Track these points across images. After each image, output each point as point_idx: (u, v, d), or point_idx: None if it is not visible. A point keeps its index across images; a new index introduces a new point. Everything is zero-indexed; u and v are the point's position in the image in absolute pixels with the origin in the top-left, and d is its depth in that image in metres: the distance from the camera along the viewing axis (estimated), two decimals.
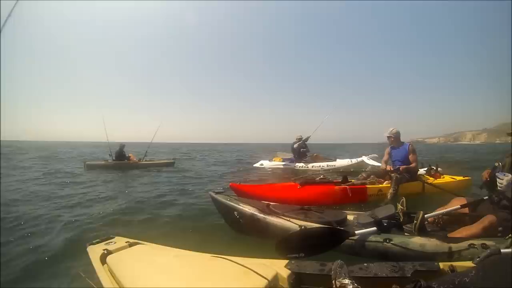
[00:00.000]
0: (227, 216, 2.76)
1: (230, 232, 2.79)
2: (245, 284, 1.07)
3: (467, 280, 0.91)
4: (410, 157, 4.21)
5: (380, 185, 4.07)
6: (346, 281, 0.97)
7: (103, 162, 10.59)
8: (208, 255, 1.44)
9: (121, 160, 10.38)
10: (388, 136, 4.38)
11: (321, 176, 4.32)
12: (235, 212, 2.58)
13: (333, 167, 8.77)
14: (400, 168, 4.09)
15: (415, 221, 2.07)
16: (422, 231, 2.04)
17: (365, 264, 1.30)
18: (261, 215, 2.38)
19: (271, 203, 2.61)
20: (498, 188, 1.99)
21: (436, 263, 1.32)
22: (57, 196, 5.16)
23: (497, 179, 1.98)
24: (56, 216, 3.72)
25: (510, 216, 1.94)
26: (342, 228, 2.01)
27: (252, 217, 2.43)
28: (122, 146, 10.71)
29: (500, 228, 1.88)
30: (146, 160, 11.05)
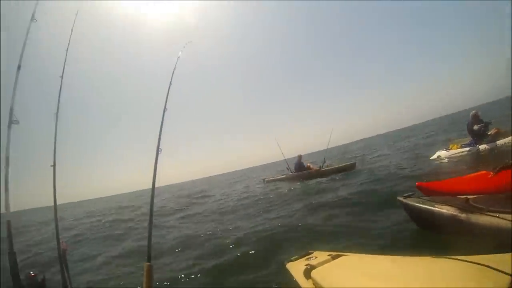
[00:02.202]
0: (421, 221, 2.63)
1: (427, 236, 2.60)
2: (483, 283, 0.94)
3: None
4: None
5: None
6: None
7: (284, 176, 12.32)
8: (428, 258, 1.30)
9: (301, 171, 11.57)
10: None
11: None
12: (432, 215, 2.40)
13: None
14: None
15: None
16: None
17: None
18: (463, 215, 2.17)
19: (470, 197, 2.37)
20: None
21: None
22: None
23: None
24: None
25: None
26: None
27: (453, 218, 2.24)
28: (300, 156, 12.00)
29: None
30: (327, 166, 11.39)
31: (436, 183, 3.71)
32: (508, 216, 1.94)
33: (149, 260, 1.41)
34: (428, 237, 2.66)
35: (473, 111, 7.69)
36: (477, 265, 1.03)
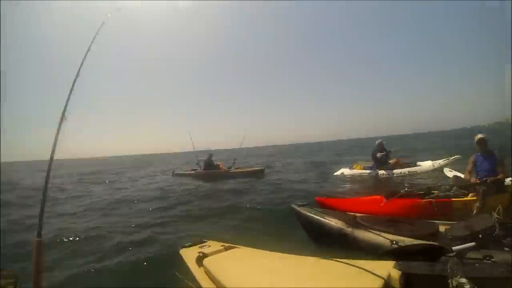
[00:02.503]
0: (310, 230, 2.75)
1: (312, 246, 2.76)
2: (360, 284, 1.04)
3: None
4: (500, 168, 3.70)
5: (466, 198, 3.67)
6: (463, 280, 0.90)
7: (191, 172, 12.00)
8: (313, 258, 1.38)
9: (209, 170, 11.33)
10: (477, 141, 3.88)
11: (406, 189, 4.11)
12: (320, 226, 2.55)
13: (415, 173, 8.19)
14: (488, 180, 3.59)
15: None
16: None
17: (477, 265, 1.28)
18: (349, 229, 2.37)
19: (358, 215, 2.58)
20: None
21: None
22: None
23: None
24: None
25: None
26: (437, 244, 1.94)
27: (339, 231, 2.42)
28: (210, 155, 11.78)
29: None
30: (236, 169, 11.49)
31: (334, 200, 4.06)
32: (388, 235, 2.15)
33: (39, 235, 1.25)
34: (316, 246, 2.83)
35: (379, 140, 8.86)
36: (357, 268, 1.14)
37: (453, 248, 1.83)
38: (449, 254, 1.82)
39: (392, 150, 8.81)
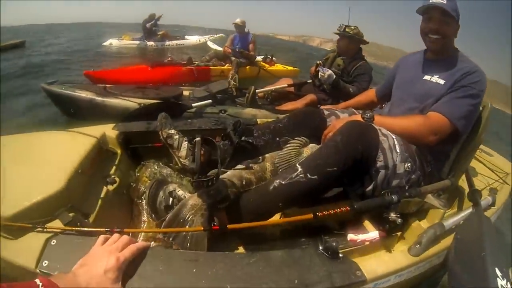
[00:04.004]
0: (64, 106, 2.56)
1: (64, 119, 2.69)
2: (73, 145, 1.02)
3: (281, 125, 1.22)
4: (251, 46, 4.73)
5: (222, 67, 4.59)
6: (172, 131, 0.93)
7: None
8: (23, 134, 1.16)
9: None
10: (235, 24, 4.64)
11: (169, 58, 4.51)
12: (72, 100, 2.41)
13: (183, 45, 8.98)
14: (240, 51, 4.59)
15: (247, 95, 2.42)
16: (253, 103, 2.40)
17: (189, 120, 1.44)
18: (99, 98, 2.34)
19: (108, 85, 2.57)
20: (319, 77, 2.40)
21: (254, 119, 1.62)
22: None
23: (319, 73, 2.39)
24: None
25: (327, 97, 2.47)
26: (179, 102, 2.23)
27: (90, 102, 2.36)
28: None
29: (318, 106, 2.27)
30: None
31: (102, 72, 3.94)
32: (136, 100, 2.26)
33: None
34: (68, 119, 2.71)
35: (151, 13, 8.30)
36: (69, 131, 1.13)
37: (193, 105, 2.14)
38: (189, 110, 2.13)
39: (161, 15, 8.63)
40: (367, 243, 0.85)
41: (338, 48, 2.57)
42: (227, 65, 4.67)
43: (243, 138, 1.13)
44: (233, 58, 4.58)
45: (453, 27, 1.09)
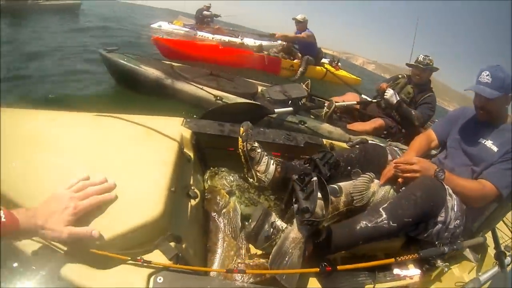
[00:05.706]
0: (123, 78, 2.35)
1: (121, 90, 2.50)
2: (156, 151, 0.88)
3: (353, 156, 1.24)
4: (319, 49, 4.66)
5: (292, 61, 4.46)
6: (256, 144, 0.94)
7: None
8: (90, 114, 1.07)
9: None
10: (296, 20, 4.50)
11: (240, 41, 4.64)
12: (135, 75, 2.20)
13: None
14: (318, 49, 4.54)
15: (326, 110, 2.27)
16: (330, 119, 2.27)
17: (262, 129, 1.35)
18: (168, 80, 2.13)
19: (175, 64, 2.36)
20: (384, 96, 2.35)
21: (320, 139, 1.49)
22: None
23: (385, 92, 2.32)
24: None
25: (393, 124, 2.42)
26: (262, 105, 2.02)
27: (157, 81, 2.14)
28: None
29: (384, 132, 2.32)
30: None
31: (173, 41, 4.05)
32: (211, 90, 2.07)
33: None
34: (127, 95, 2.52)
35: (208, 3, 8.14)
36: (142, 126, 0.97)
37: (276, 110, 1.97)
38: (271, 116, 1.96)
39: (220, 15, 8.43)
40: (408, 278, 1.02)
41: (413, 75, 2.46)
42: (295, 60, 4.56)
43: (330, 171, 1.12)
44: (299, 55, 4.51)
45: (500, 102, 1.17)
